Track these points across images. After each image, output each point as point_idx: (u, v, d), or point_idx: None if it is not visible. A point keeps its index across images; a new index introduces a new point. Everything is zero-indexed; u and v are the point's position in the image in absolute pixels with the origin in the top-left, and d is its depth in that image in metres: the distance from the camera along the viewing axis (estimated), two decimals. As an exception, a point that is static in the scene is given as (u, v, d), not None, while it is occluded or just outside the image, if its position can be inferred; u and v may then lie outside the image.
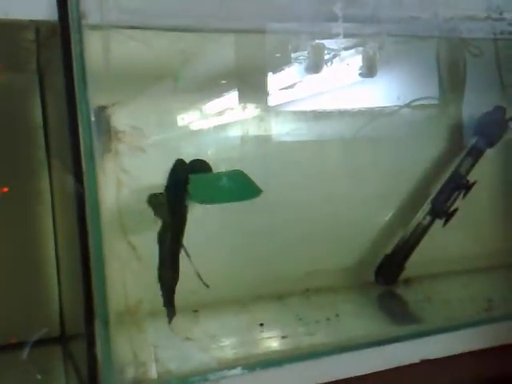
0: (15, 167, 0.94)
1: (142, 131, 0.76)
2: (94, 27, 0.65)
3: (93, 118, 0.64)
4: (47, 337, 0.91)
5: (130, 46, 0.75)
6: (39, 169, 0.95)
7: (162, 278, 0.81)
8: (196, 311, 0.98)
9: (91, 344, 0.68)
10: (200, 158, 0.87)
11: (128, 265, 0.71)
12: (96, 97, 0.67)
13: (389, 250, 1.11)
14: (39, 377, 0.78)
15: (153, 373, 0.74)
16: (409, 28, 0.86)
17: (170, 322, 0.82)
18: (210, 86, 0.98)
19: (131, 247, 0.71)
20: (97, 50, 0.67)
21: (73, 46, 0.63)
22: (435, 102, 1.18)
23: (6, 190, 0.93)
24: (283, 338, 0.88)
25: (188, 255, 0.83)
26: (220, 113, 1.01)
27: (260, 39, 0.94)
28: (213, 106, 1.00)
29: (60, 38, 0.63)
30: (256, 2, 0.83)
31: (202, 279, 0.85)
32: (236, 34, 0.96)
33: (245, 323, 0.96)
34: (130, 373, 0.72)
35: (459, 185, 1.10)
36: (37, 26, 0.75)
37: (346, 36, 0.84)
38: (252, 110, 1.04)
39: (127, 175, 0.72)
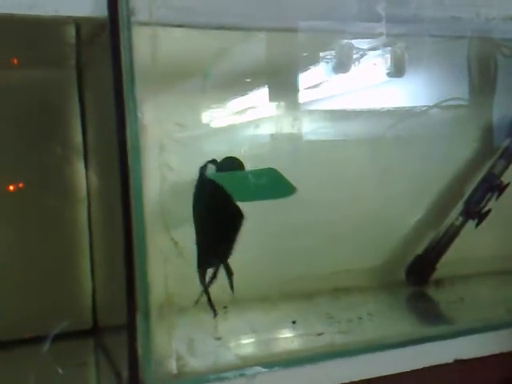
0: (52, 160, 0.95)
1: (183, 127, 0.76)
2: (141, 24, 0.66)
3: (139, 114, 0.65)
4: (79, 329, 0.92)
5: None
6: (75, 162, 0.96)
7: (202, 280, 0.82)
8: (226, 307, 0.99)
9: (132, 337, 0.69)
10: (233, 155, 0.87)
11: (169, 259, 0.71)
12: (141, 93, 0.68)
13: (419, 250, 1.11)
14: (61, 371, 0.79)
15: (190, 367, 0.75)
16: (449, 28, 0.86)
17: (214, 316, 0.83)
18: (240, 84, 0.98)
19: (173, 243, 0.72)
20: (143, 47, 0.68)
21: (122, 42, 0.63)
22: (465, 102, 1.17)
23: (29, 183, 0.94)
24: (318, 335, 0.88)
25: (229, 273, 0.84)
26: (251, 111, 1.01)
27: (293, 38, 0.94)
28: (244, 103, 1.00)
29: (109, 34, 0.64)
30: (295, 2, 0.84)
31: (232, 288, 0.85)
32: (269, 32, 0.96)
33: (277, 321, 0.96)
34: (168, 366, 0.73)
35: (493, 186, 1.09)
36: (77, 22, 0.76)
37: (388, 36, 0.83)
38: (283, 108, 1.04)
39: (169, 171, 0.72)
